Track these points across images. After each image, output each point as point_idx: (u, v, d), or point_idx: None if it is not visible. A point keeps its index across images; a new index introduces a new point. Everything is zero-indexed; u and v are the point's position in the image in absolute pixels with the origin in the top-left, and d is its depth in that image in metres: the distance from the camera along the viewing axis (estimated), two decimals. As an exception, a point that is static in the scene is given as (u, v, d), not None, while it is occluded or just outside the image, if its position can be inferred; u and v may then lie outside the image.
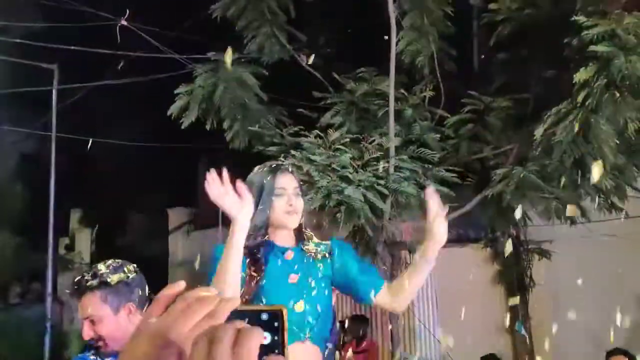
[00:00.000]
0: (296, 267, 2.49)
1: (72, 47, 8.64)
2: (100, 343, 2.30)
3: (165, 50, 8.21)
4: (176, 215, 14.68)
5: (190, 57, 8.08)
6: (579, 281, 7.25)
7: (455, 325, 8.04)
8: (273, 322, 0.81)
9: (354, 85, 7.40)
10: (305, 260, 2.52)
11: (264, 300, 2.40)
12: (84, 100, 12.86)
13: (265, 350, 0.78)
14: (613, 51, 5.61)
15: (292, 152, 6.39)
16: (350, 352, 7.48)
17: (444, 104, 7.62)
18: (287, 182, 2.52)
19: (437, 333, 7.97)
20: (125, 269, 2.36)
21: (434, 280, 8.12)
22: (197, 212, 13.81)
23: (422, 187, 6.75)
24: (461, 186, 7.32)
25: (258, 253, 2.45)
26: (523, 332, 7.78)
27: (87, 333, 2.31)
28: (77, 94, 12.15)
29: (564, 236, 7.60)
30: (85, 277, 2.30)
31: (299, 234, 2.58)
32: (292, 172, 2.59)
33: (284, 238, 2.54)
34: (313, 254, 2.54)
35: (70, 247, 18.76)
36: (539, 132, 5.96)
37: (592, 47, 5.65)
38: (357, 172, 6.34)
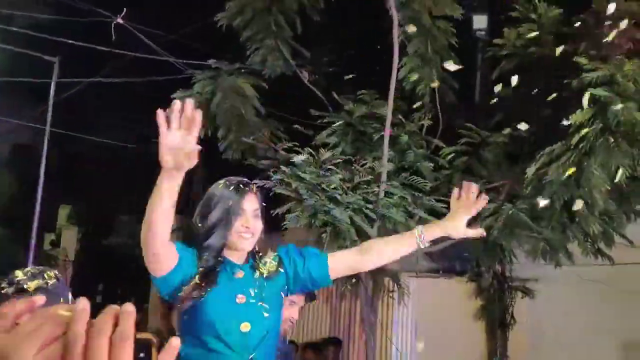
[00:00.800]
0: (245, 287, 2.43)
1: (71, 41, 8.56)
2: None
3: (162, 53, 8.17)
4: (177, 220, 14.56)
5: (191, 63, 8.04)
6: (560, 322, 7.21)
7: (433, 357, 7.97)
8: (139, 354, 0.73)
9: (352, 106, 7.36)
10: (255, 280, 2.47)
11: (208, 316, 2.34)
12: (81, 96, 12.81)
13: None
14: (611, 96, 5.60)
15: (283, 167, 6.33)
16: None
17: (441, 134, 7.60)
18: (248, 204, 2.47)
19: (413, 363, 7.89)
20: (45, 276, 2.23)
21: (414, 309, 8.05)
22: (189, 220, 13.72)
23: (411, 215, 6.71)
24: (450, 218, 7.29)
25: (212, 264, 2.40)
26: (500, 370, 7.71)
27: None
28: (75, 89, 12.07)
29: (549, 277, 7.54)
30: (2, 285, 2.19)
31: (251, 252, 2.54)
32: (256, 193, 2.52)
33: (236, 255, 2.49)
34: (265, 273, 2.50)
35: (55, 243, 18.63)
36: (530, 170, 5.93)
37: (591, 90, 5.64)
38: (346, 193, 6.28)
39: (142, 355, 0.72)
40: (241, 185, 2.48)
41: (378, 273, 7.04)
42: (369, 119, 7.27)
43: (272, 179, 6.35)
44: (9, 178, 19.15)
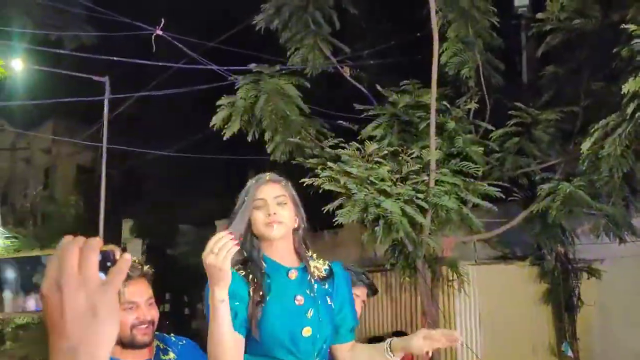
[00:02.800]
0: (301, 288, 2.32)
1: (116, 58, 8.71)
2: None
3: (204, 62, 8.24)
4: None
5: (232, 69, 8.09)
6: (630, 302, 6.95)
7: (499, 345, 7.79)
8: (105, 263, 0.93)
9: (396, 97, 7.27)
10: (309, 280, 2.36)
11: (269, 321, 2.22)
12: (132, 112, 13.07)
13: None
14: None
15: (329, 164, 6.29)
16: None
17: (490, 117, 7.45)
18: (267, 193, 2.36)
19: (480, 352, 7.71)
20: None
21: (476, 299, 7.88)
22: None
23: (464, 202, 6.59)
24: (506, 202, 7.13)
25: (258, 273, 2.29)
26: (570, 353, 7.46)
27: None
28: (125, 105, 12.33)
29: (615, 255, 7.28)
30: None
31: (300, 248, 2.42)
32: (275, 182, 2.41)
33: (284, 257, 2.38)
34: (317, 274, 2.39)
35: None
36: (585, 145, 5.72)
37: (642, 56, 5.41)
38: (395, 185, 6.19)
39: (108, 264, 0.93)
40: (258, 179, 2.42)
41: (435, 262, 6.94)
42: (414, 109, 7.16)
43: (321, 176, 6.31)
44: (74, 197, 19.71)
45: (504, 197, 6.71)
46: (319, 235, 10.76)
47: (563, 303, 7.69)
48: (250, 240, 2.37)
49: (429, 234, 6.53)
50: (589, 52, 6.78)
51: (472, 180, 6.62)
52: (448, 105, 7.06)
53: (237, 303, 2.20)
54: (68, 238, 0.95)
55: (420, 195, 6.27)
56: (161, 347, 2.48)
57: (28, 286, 0.99)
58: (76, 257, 0.92)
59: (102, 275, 0.92)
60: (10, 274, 1.00)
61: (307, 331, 2.25)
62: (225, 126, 7.40)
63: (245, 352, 2.21)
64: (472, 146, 6.84)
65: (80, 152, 23.57)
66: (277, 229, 2.32)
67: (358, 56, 8.68)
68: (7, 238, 16.85)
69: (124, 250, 0.96)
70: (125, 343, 2.31)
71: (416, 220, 6.27)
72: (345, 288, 2.48)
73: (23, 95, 14.21)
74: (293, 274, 2.35)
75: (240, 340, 2.16)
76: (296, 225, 2.42)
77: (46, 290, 0.91)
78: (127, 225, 19.12)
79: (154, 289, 2.48)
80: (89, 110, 13.80)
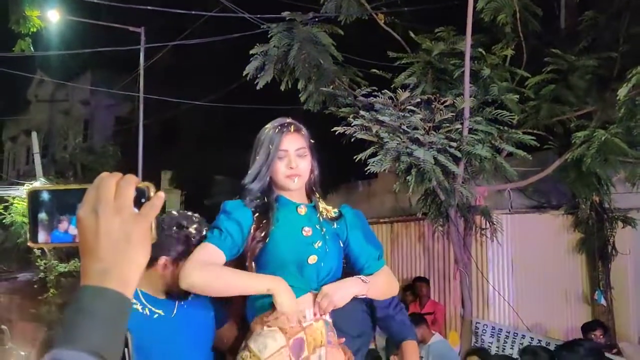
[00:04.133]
0: (311, 222, 2.40)
1: (149, 8, 8.72)
2: None
3: (237, 10, 8.20)
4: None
5: (265, 17, 8.04)
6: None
7: (532, 294, 7.83)
8: (140, 199, 0.99)
9: (430, 44, 7.18)
10: (318, 216, 2.44)
11: (276, 249, 2.32)
12: (168, 63, 13.12)
13: None
14: None
15: (362, 112, 6.28)
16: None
17: (526, 64, 7.31)
18: (290, 144, 2.40)
19: (511, 301, 7.76)
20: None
21: (509, 247, 7.90)
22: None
23: (498, 151, 6.54)
24: (541, 150, 7.06)
25: (269, 212, 2.37)
26: (603, 302, 7.47)
27: None
28: (159, 55, 12.38)
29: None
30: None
31: (311, 192, 2.50)
32: (297, 131, 2.44)
33: (295, 195, 2.46)
34: (326, 214, 2.46)
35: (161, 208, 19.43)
36: (622, 92, 5.62)
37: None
38: (428, 133, 6.18)
39: (142, 200, 0.99)
40: (281, 126, 2.41)
41: (468, 211, 6.95)
42: (449, 56, 7.07)
43: (352, 124, 6.32)
44: (112, 148, 19.96)
45: (538, 145, 6.64)
46: (353, 186, 10.81)
47: (597, 252, 7.66)
48: (269, 185, 2.42)
49: (462, 182, 6.52)
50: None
51: (506, 128, 6.56)
52: (483, 52, 6.95)
53: (236, 228, 2.32)
54: (106, 173, 1.00)
55: (453, 144, 6.25)
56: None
57: (63, 218, 1.04)
58: (113, 187, 0.98)
59: (135, 210, 0.98)
60: (46, 205, 1.05)
61: (312, 259, 2.33)
62: (259, 75, 7.40)
63: None
64: (508, 94, 6.75)
65: (119, 104, 23.80)
66: (297, 182, 2.40)
67: (392, 3, 8.54)
68: (48, 188, 17.27)
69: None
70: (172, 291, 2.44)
71: (449, 168, 6.26)
72: (359, 222, 2.53)
73: (60, 46, 14.36)
74: (302, 210, 2.43)
75: (221, 258, 2.28)
76: (310, 171, 2.47)
77: (83, 214, 0.97)
78: (165, 176, 19.34)
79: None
80: (125, 61, 13.89)
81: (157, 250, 2.35)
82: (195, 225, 2.42)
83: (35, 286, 18.55)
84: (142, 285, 2.39)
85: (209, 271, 2.24)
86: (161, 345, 2.32)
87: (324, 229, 2.40)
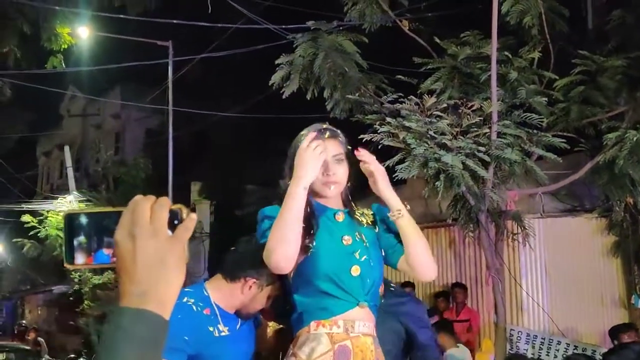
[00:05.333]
0: (350, 230, 2.36)
1: (175, 22, 8.81)
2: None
3: (261, 22, 8.24)
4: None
5: (290, 27, 8.07)
6: None
7: (566, 299, 7.71)
8: (173, 220, 1.02)
9: (456, 49, 7.13)
10: (355, 225, 2.41)
11: (318, 260, 2.29)
12: (197, 75, 13.24)
13: None
14: None
15: (388, 119, 6.26)
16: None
17: (554, 66, 7.23)
18: (328, 150, 2.35)
19: (546, 306, 7.65)
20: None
21: (543, 252, 7.80)
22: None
23: (528, 154, 6.47)
24: (572, 153, 6.97)
25: (308, 216, 2.33)
26: (640, 306, 7.33)
27: None
28: (187, 68, 12.51)
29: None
30: None
31: (346, 198, 2.47)
32: (334, 137, 2.41)
33: (331, 202, 2.43)
34: (365, 220, 2.45)
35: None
36: (653, 91, 5.51)
37: None
38: (455, 138, 6.13)
39: (176, 222, 1.02)
40: (318, 132, 2.38)
41: (498, 216, 6.87)
42: (475, 60, 7.02)
43: (379, 132, 6.30)
44: (143, 160, 20.15)
45: (569, 147, 6.56)
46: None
47: (632, 255, 7.52)
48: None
49: (492, 187, 6.46)
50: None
51: (536, 131, 6.48)
52: (510, 56, 6.88)
53: None
54: (140, 196, 1.04)
55: (482, 148, 6.19)
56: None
57: (100, 241, 1.08)
58: (148, 211, 1.01)
59: (169, 232, 1.02)
60: (83, 228, 1.09)
61: (355, 270, 2.30)
62: (285, 85, 7.42)
63: (297, 292, 2.32)
64: (536, 96, 6.68)
65: (149, 116, 24.09)
66: (333, 189, 2.38)
67: (416, 9, 8.52)
68: (81, 201, 17.51)
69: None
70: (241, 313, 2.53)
71: (478, 173, 6.20)
72: (385, 212, 2.47)
73: (90, 62, 14.60)
74: (340, 216, 2.41)
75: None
76: (347, 175, 2.46)
77: (120, 237, 1.00)
78: (195, 187, 19.48)
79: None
80: (154, 74, 14.06)
81: (248, 270, 2.39)
82: None
83: (71, 298, 18.83)
84: (217, 298, 2.46)
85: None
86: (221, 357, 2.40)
87: (365, 237, 2.37)
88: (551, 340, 7.16)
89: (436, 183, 6.20)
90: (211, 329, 2.41)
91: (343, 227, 2.37)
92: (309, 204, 2.35)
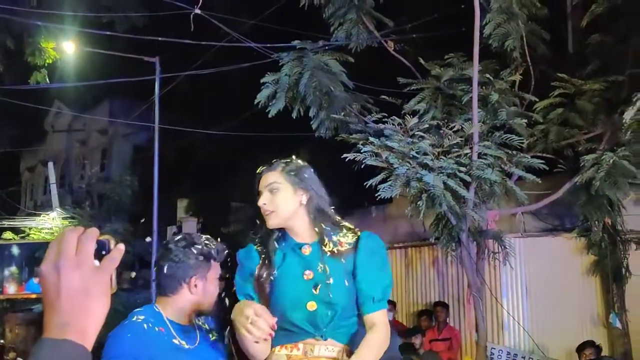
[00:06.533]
0: (313, 263, 2.38)
1: (160, 39, 8.89)
2: None
3: (246, 41, 8.34)
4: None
5: (276, 46, 8.17)
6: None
7: (546, 318, 7.80)
8: (101, 251, 1.04)
9: (439, 70, 7.26)
10: (323, 256, 2.39)
11: (278, 294, 2.36)
12: (183, 92, 13.29)
13: None
14: None
15: (371, 139, 6.36)
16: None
17: (534, 88, 7.38)
18: (262, 183, 2.43)
19: (526, 325, 7.74)
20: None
21: (523, 271, 7.90)
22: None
23: (508, 175, 6.58)
24: (552, 174, 7.09)
25: (269, 253, 2.42)
26: (618, 324, 7.42)
27: None
28: (173, 84, 12.58)
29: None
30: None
31: (315, 225, 2.43)
32: (272, 170, 2.45)
33: (300, 233, 2.44)
34: (334, 249, 2.40)
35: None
36: (628, 114, 5.68)
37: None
38: (437, 158, 6.23)
39: (103, 252, 1.05)
40: (257, 175, 2.48)
41: (480, 235, 6.97)
42: (458, 82, 7.14)
43: (362, 151, 6.39)
44: (129, 177, 20.13)
45: (548, 168, 6.68)
46: (367, 211, 10.85)
47: (611, 274, 7.64)
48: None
49: (473, 207, 6.56)
50: (635, 20, 6.66)
51: (516, 152, 6.60)
52: (491, 78, 7.01)
53: (248, 279, 2.42)
54: (69, 228, 1.07)
55: (463, 169, 6.30)
56: (206, 328, 2.61)
57: (30, 271, 1.12)
58: (74, 243, 1.03)
59: (96, 262, 1.04)
60: (14, 258, 1.13)
61: (311, 305, 2.32)
62: (270, 103, 7.49)
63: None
64: (516, 118, 6.80)
65: (136, 132, 24.09)
66: (271, 219, 2.41)
67: (402, 30, 8.66)
68: (64, 218, 17.44)
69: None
70: (204, 309, 2.53)
71: (459, 193, 6.30)
72: (366, 258, 2.41)
73: (76, 77, 14.61)
74: (306, 250, 2.41)
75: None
76: (304, 201, 2.43)
77: (45, 269, 1.02)
78: (182, 204, 19.47)
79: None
80: (141, 90, 14.09)
81: (183, 274, 2.45)
82: (206, 241, 2.51)
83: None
84: (170, 314, 2.46)
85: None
86: None
87: (328, 269, 2.36)
88: (531, 359, 7.24)
89: (418, 202, 6.29)
90: (169, 341, 2.40)
91: (308, 261, 2.39)
92: (278, 238, 2.44)
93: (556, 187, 7.22)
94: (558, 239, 8.01)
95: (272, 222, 2.40)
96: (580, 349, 6.82)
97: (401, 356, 2.90)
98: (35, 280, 1.10)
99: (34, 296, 1.10)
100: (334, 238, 2.43)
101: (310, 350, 2.33)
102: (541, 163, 6.49)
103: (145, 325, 2.33)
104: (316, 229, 2.43)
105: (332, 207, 2.51)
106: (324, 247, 2.40)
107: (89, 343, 1.01)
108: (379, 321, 2.37)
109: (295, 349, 2.34)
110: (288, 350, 2.34)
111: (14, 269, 1.11)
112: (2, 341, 22.11)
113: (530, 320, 7.89)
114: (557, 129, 6.96)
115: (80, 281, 1.01)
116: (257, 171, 2.48)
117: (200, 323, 2.55)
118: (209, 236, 2.58)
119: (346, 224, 2.52)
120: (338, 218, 2.51)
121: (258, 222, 2.46)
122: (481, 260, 7.16)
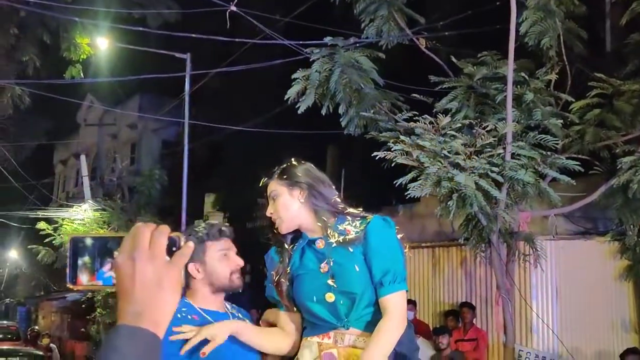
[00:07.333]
0: (326, 255, 2.43)
1: (193, 35, 8.88)
2: None
3: (279, 38, 8.29)
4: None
5: (307, 43, 8.10)
6: None
7: (576, 321, 7.66)
8: (171, 247, 1.09)
9: (473, 69, 7.14)
10: (330, 247, 2.43)
11: (299, 293, 2.46)
12: (214, 88, 13.30)
13: None
14: None
15: (402, 137, 6.27)
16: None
17: (571, 88, 7.23)
18: (267, 193, 2.53)
19: (555, 328, 7.60)
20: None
21: (554, 274, 7.75)
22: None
23: (542, 176, 6.45)
24: (586, 175, 6.95)
25: (286, 253, 2.53)
26: (651, 331, 7.27)
27: None
28: (204, 80, 12.60)
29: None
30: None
31: (319, 220, 2.46)
32: (271, 178, 2.53)
33: (310, 229, 2.49)
34: (342, 239, 2.42)
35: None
36: (668, 116, 5.50)
37: None
38: (469, 158, 6.12)
39: (174, 248, 1.09)
40: (262, 180, 2.57)
41: (510, 237, 6.85)
42: (491, 81, 7.02)
43: (393, 149, 6.31)
44: (158, 172, 20.25)
45: (583, 170, 6.54)
46: (394, 209, 10.75)
47: (646, 280, 7.47)
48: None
49: (505, 208, 6.44)
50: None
51: (550, 153, 6.47)
52: (526, 77, 6.88)
53: (271, 280, 2.57)
54: (141, 223, 1.12)
55: (495, 169, 6.19)
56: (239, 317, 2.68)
57: (102, 262, 1.16)
58: (148, 237, 1.08)
59: (167, 258, 1.09)
60: (87, 250, 1.17)
61: (329, 297, 2.38)
62: (300, 99, 7.44)
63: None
64: (551, 118, 6.66)
65: (166, 127, 24.24)
66: (279, 225, 2.50)
67: (434, 27, 8.55)
68: (96, 210, 17.61)
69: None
70: (222, 287, 2.56)
71: (491, 194, 6.19)
72: (375, 242, 2.40)
73: (109, 72, 14.74)
74: (320, 244, 2.46)
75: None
76: (302, 199, 2.46)
77: (121, 260, 1.07)
78: (209, 199, 19.53)
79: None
80: (172, 85, 14.15)
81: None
82: (198, 227, 2.57)
83: (84, 306, 18.93)
84: (198, 302, 2.53)
85: None
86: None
87: (338, 259, 2.41)
88: (560, 363, 7.12)
89: (449, 202, 6.20)
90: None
91: (323, 254, 2.45)
92: (295, 238, 2.54)
93: (591, 189, 7.07)
94: (590, 242, 7.86)
95: (282, 228, 2.49)
96: (623, 355, 6.68)
97: (418, 347, 2.84)
98: (104, 269, 1.14)
99: (109, 289, 1.15)
100: (340, 227, 2.46)
101: (341, 340, 2.39)
102: (576, 164, 6.35)
103: (179, 315, 2.43)
104: (319, 223, 2.47)
105: (336, 196, 2.55)
106: (330, 239, 2.44)
107: (161, 332, 1.05)
108: (391, 305, 2.34)
109: (327, 338, 2.42)
110: (319, 338, 2.43)
111: (87, 258, 1.15)
112: (37, 327, 22.56)
113: (560, 323, 7.74)
114: (594, 130, 6.81)
115: (154, 273, 1.06)
116: (260, 184, 2.57)
117: (235, 312, 2.65)
118: (210, 221, 2.73)
119: (352, 210, 2.54)
120: (341, 206, 2.53)
121: (274, 230, 2.54)
122: (511, 262, 7.03)
